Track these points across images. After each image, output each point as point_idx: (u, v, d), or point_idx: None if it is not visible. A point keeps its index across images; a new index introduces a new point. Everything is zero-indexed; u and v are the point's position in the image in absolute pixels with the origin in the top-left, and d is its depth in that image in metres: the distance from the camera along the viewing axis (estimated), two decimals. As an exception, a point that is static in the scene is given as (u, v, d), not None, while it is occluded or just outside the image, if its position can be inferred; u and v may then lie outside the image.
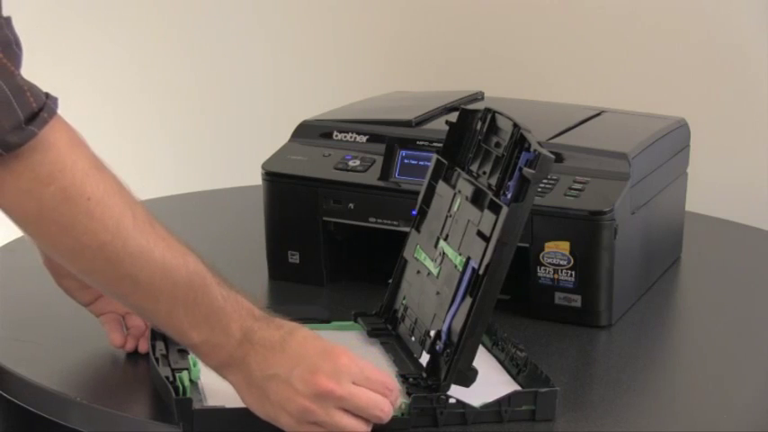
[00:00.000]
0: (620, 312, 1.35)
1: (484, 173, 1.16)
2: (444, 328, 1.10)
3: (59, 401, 1.11)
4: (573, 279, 1.32)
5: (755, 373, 1.25)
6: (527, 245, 1.32)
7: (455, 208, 1.17)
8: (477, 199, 1.14)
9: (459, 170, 1.20)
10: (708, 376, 1.24)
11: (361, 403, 1.03)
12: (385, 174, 1.42)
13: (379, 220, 1.41)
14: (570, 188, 1.33)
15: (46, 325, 1.31)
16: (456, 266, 1.13)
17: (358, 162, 1.44)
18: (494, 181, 1.13)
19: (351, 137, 1.48)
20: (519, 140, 1.11)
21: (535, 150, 1.07)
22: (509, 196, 1.08)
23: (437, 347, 1.11)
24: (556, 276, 1.32)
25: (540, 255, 1.32)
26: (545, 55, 2.08)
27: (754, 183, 1.94)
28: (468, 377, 1.08)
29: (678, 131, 1.54)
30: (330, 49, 2.25)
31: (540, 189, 1.32)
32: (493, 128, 1.17)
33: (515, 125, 1.12)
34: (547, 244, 1.32)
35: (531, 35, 2.08)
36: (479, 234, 1.10)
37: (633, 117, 1.58)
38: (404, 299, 1.23)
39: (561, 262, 1.32)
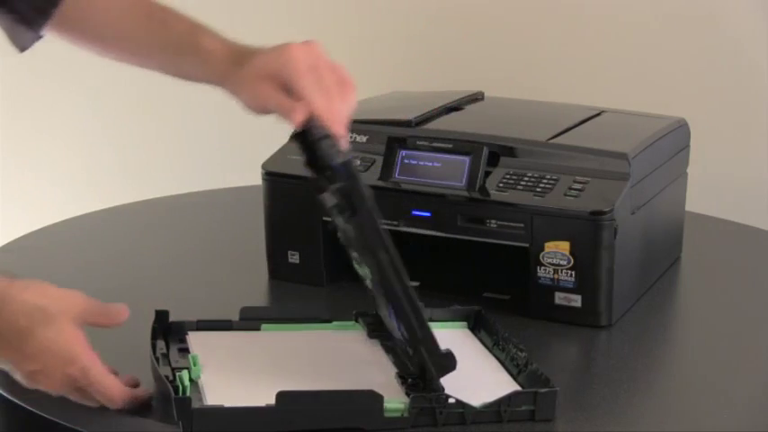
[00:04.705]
0: (620, 312, 1.35)
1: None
2: (402, 334, 1.12)
3: (59, 401, 1.11)
4: (573, 279, 1.32)
5: (755, 373, 1.25)
6: (527, 245, 1.32)
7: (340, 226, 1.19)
8: (342, 213, 1.16)
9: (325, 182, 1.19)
10: (708, 376, 1.23)
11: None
12: (385, 174, 1.42)
13: (379, 221, 1.40)
14: (570, 188, 1.33)
15: (46, 325, 1.30)
16: (371, 280, 1.16)
17: (358, 162, 1.43)
18: (337, 199, 1.14)
19: (351, 137, 1.47)
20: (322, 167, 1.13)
21: (335, 162, 1.12)
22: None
23: (409, 351, 1.12)
24: (556, 276, 1.32)
25: (540, 255, 1.32)
26: (545, 55, 2.07)
27: (754, 183, 1.94)
28: (446, 364, 1.08)
29: (678, 131, 1.54)
30: (330, 49, 2.25)
31: (540, 189, 1.33)
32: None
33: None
34: (547, 244, 1.32)
35: (531, 35, 2.08)
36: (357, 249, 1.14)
37: (633, 117, 1.58)
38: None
39: (561, 262, 1.31)
